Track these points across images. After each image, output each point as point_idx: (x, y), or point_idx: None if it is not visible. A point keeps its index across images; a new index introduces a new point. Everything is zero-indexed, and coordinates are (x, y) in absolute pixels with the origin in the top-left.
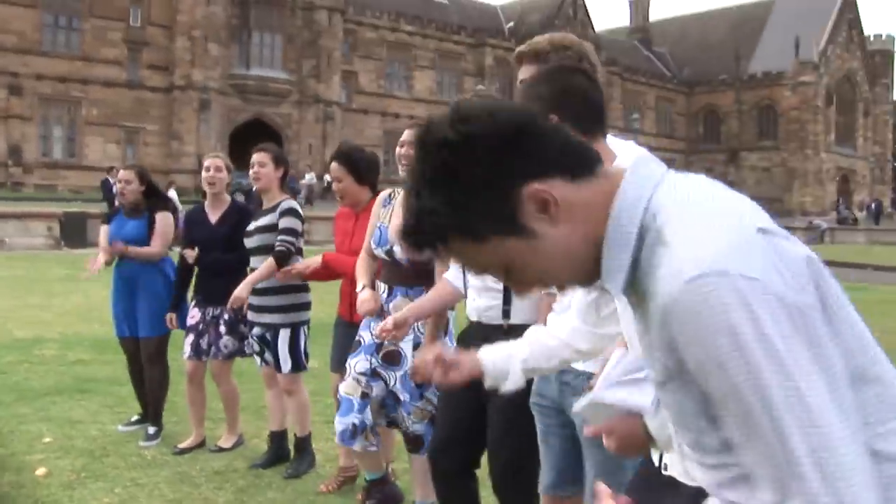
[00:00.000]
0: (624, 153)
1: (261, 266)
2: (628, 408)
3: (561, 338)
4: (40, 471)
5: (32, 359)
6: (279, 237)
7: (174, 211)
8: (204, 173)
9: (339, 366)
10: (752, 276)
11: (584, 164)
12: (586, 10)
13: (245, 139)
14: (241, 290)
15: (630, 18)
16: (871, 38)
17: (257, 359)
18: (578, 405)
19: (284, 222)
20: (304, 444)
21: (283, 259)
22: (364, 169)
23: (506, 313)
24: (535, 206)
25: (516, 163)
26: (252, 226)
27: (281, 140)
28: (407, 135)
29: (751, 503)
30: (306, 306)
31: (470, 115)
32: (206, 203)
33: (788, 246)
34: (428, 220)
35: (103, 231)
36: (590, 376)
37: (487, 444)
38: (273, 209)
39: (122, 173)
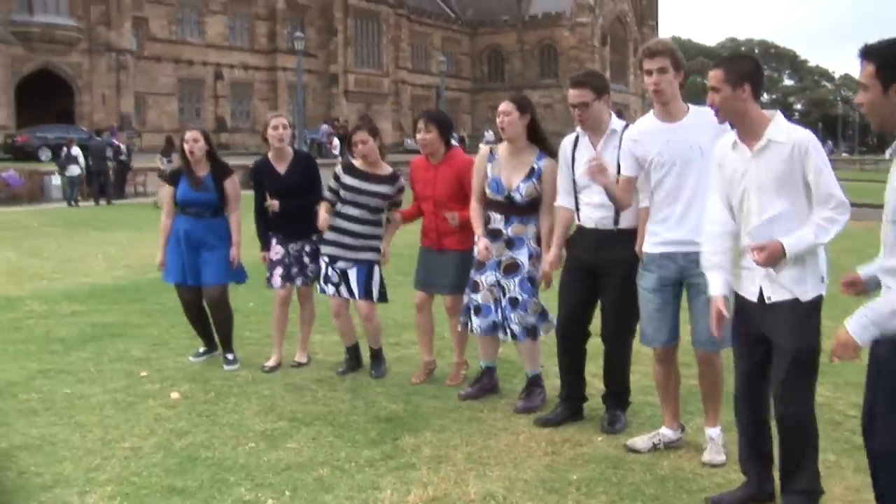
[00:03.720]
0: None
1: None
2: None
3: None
4: (174, 395)
5: (31, 314)
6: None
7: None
8: (272, 131)
9: (422, 285)
10: None
11: None
12: None
13: (34, 91)
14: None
15: None
16: None
17: (331, 288)
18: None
19: (402, 196)
20: (379, 353)
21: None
22: (446, 128)
23: (616, 221)
24: None
25: None
26: (367, 187)
27: (72, 91)
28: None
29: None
30: None
31: None
32: (271, 155)
33: None
34: None
35: (168, 192)
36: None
37: (603, 308)
38: (387, 180)
39: (189, 133)
